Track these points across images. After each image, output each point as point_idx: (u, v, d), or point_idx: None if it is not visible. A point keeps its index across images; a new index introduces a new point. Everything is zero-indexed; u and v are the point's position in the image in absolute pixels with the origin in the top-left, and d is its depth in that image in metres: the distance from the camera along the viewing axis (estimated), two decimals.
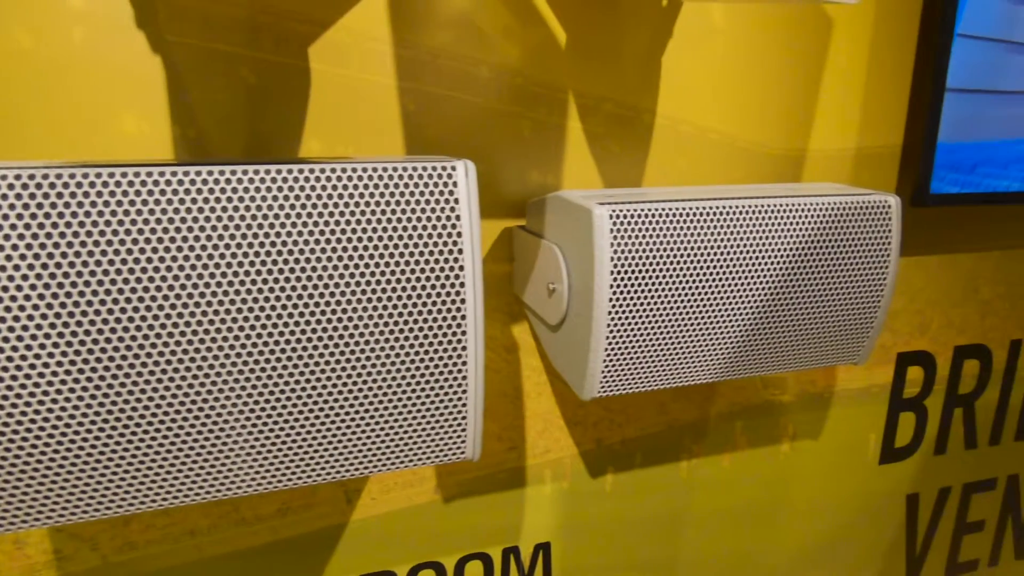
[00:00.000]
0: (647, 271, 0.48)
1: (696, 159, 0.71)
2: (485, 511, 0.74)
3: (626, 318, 0.49)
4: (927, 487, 0.98)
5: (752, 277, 0.52)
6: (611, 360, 0.50)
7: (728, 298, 0.52)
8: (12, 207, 0.33)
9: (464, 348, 0.40)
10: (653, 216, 0.48)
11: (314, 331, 0.38)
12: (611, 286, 0.47)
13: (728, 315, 0.52)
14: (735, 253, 0.51)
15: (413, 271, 0.39)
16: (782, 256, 0.53)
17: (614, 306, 0.48)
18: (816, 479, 0.90)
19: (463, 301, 0.40)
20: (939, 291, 0.88)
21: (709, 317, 0.52)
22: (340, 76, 0.58)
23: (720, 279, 0.51)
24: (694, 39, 0.68)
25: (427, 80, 0.61)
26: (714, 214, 0.50)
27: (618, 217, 0.47)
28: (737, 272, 0.52)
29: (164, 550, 0.63)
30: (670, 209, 0.48)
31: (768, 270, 0.53)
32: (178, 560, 0.64)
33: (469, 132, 0.63)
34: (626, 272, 0.48)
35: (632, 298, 0.49)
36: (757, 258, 0.52)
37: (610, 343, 0.49)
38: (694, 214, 0.49)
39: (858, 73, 0.75)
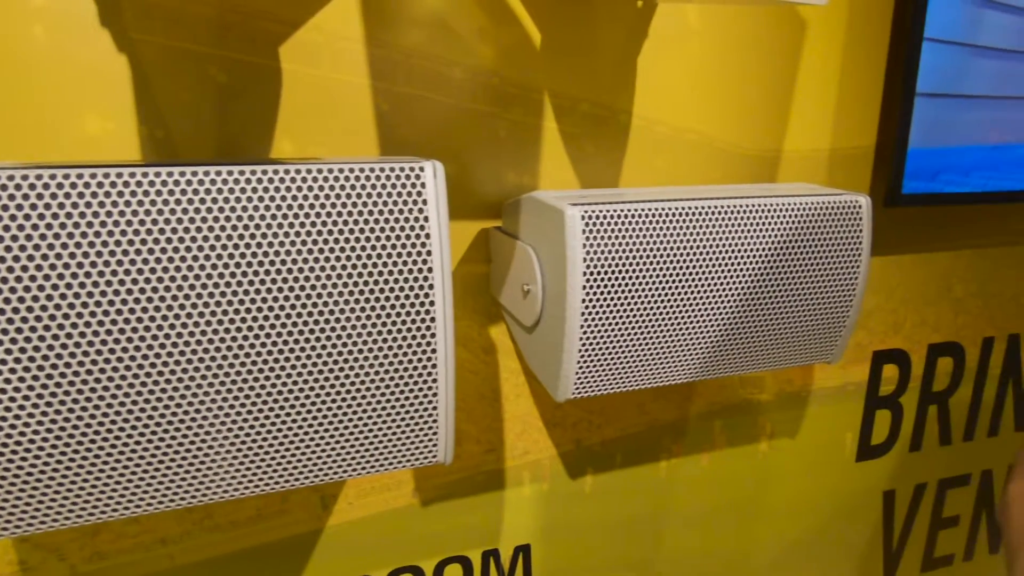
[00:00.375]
0: (620, 272, 0.48)
1: (672, 160, 0.71)
2: (464, 514, 0.74)
3: (599, 319, 0.49)
4: (903, 483, 0.99)
5: (725, 277, 0.52)
6: (585, 361, 0.50)
7: (701, 298, 0.52)
8: None
9: (434, 350, 0.40)
10: (626, 217, 0.48)
11: (278, 335, 0.38)
12: (584, 287, 0.47)
13: (702, 315, 0.53)
14: (708, 253, 0.51)
15: (381, 273, 0.38)
16: (755, 256, 0.53)
17: (587, 307, 0.48)
18: (794, 477, 0.90)
19: (432, 303, 0.39)
20: (913, 290, 0.89)
21: (683, 318, 0.52)
22: (312, 76, 0.58)
23: (693, 279, 0.51)
24: (669, 40, 0.68)
25: (401, 80, 0.60)
26: (687, 214, 0.50)
27: (590, 218, 0.47)
28: (710, 272, 0.52)
29: (135, 559, 0.62)
30: (643, 210, 0.48)
31: (741, 270, 0.53)
32: (150, 569, 0.63)
33: (444, 133, 0.63)
34: (599, 273, 0.48)
35: (605, 299, 0.49)
36: (730, 258, 0.52)
37: (584, 344, 0.49)
38: (667, 214, 0.49)
39: (832, 75, 0.76)
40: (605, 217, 0.47)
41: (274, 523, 0.66)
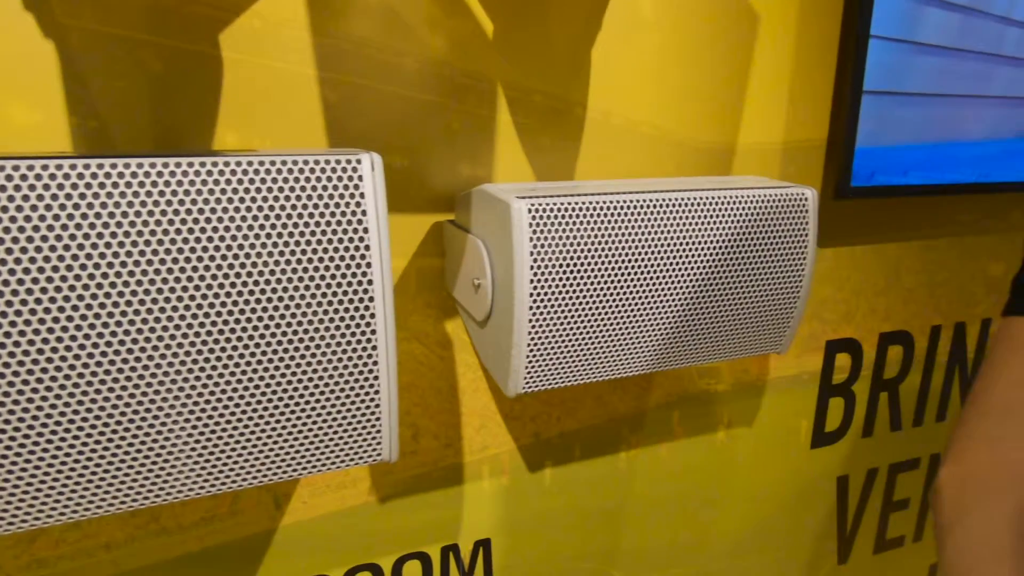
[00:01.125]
0: (568, 265, 0.48)
1: (628, 152, 0.71)
2: (422, 510, 0.73)
3: (548, 313, 0.49)
4: (856, 469, 1.01)
5: (674, 270, 0.53)
6: (534, 356, 0.49)
7: (650, 291, 0.52)
8: None
9: (375, 347, 0.39)
10: (572, 209, 0.47)
11: (209, 333, 0.36)
12: (531, 281, 0.47)
13: (651, 308, 0.53)
14: (656, 246, 0.51)
15: (317, 268, 0.37)
16: (704, 249, 0.53)
17: (535, 301, 0.48)
18: (751, 465, 0.92)
19: (371, 298, 0.38)
20: (864, 280, 0.91)
21: (632, 311, 0.52)
22: (256, 65, 0.56)
23: (641, 272, 0.51)
24: (623, 32, 0.68)
25: (349, 70, 0.59)
26: (633, 207, 0.50)
27: (537, 210, 0.46)
28: (658, 265, 0.52)
29: (77, 566, 0.60)
30: (589, 203, 0.48)
31: (690, 263, 0.53)
32: (94, 575, 0.61)
33: (395, 124, 0.61)
34: (546, 266, 0.47)
35: (553, 293, 0.48)
36: (679, 251, 0.52)
37: (533, 339, 0.49)
38: (613, 207, 0.49)
39: (784, 68, 0.77)
40: (552, 210, 0.47)
41: (225, 524, 0.65)
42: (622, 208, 0.49)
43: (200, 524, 0.64)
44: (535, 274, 0.47)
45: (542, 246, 0.47)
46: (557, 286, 0.48)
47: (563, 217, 0.47)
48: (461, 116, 0.63)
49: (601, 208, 0.49)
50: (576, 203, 0.48)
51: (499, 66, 0.64)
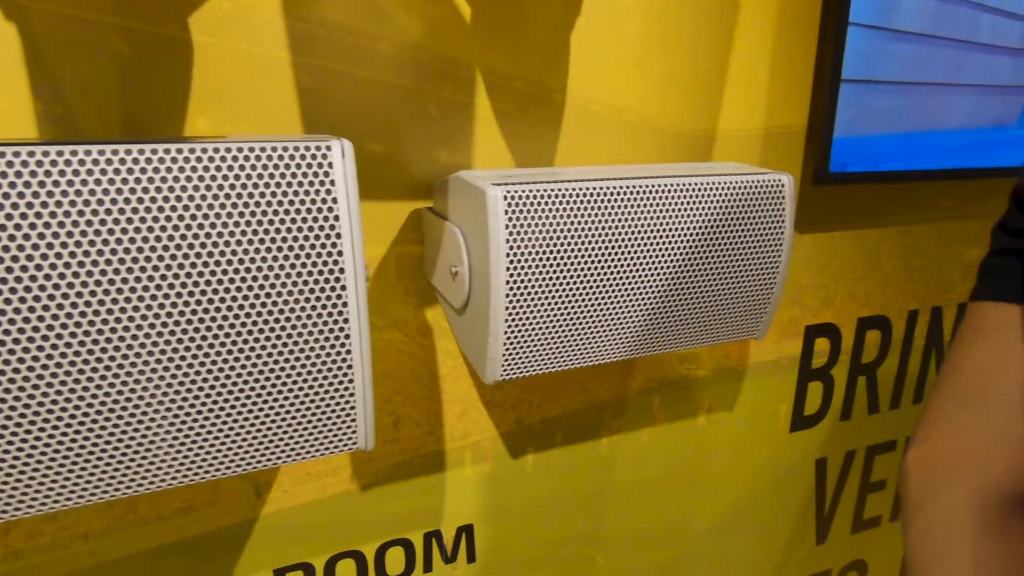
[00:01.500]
0: (544, 252, 0.48)
1: (608, 139, 0.71)
2: (404, 497, 0.73)
3: (525, 300, 0.49)
4: (834, 451, 1.03)
5: (651, 257, 0.53)
6: (512, 343, 0.49)
7: (628, 278, 0.52)
8: None
9: (347, 336, 0.39)
10: (548, 196, 0.47)
11: (176, 323, 0.36)
12: (507, 268, 0.47)
13: (629, 295, 0.53)
14: (633, 233, 0.51)
15: (288, 257, 0.37)
16: (681, 235, 0.53)
17: (512, 288, 0.47)
18: (731, 449, 0.93)
19: (343, 288, 0.38)
20: (843, 265, 0.92)
21: (610, 297, 0.52)
22: (227, 49, 0.55)
23: (618, 259, 0.51)
24: (603, 17, 0.67)
25: (324, 55, 0.58)
26: (609, 194, 0.49)
27: (512, 197, 0.46)
28: (636, 252, 0.52)
29: (54, 557, 0.60)
30: (565, 189, 0.48)
31: (667, 249, 0.53)
32: (71, 567, 0.60)
33: (371, 110, 0.60)
34: (523, 253, 0.47)
35: (530, 280, 0.48)
36: (656, 238, 0.52)
37: (510, 326, 0.49)
38: (589, 194, 0.49)
39: (764, 55, 0.77)
40: (527, 197, 0.46)
41: (204, 514, 0.64)
42: (599, 195, 0.49)
43: (179, 514, 0.63)
44: (511, 261, 0.47)
45: (518, 233, 0.47)
46: (534, 273, 0.48)
47: (539, 204, 0.47)
48: (439, 102, 0.63)
49: (578, 195, 0.48)
50: (552, 190, 0.48)
51: (477, 51, 0.63)
